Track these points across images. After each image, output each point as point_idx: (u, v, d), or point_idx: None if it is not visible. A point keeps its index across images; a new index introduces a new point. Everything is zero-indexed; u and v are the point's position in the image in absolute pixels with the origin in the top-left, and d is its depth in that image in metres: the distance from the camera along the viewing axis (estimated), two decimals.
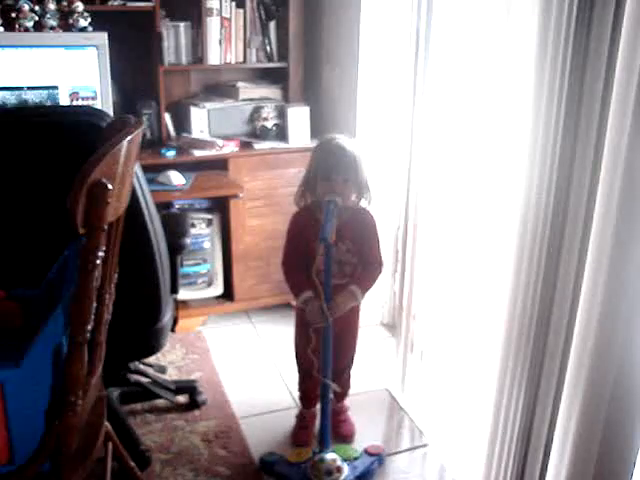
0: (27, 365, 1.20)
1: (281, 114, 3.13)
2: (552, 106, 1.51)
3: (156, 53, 2.93)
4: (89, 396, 1.31)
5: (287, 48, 3.15)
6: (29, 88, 2.59)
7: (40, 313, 1.41)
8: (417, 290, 2.47)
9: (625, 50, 1.31)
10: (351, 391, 2.38)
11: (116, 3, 2.78)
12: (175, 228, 2.17)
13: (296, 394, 2.39)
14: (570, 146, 1.51)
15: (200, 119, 3.06)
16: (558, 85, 1.49)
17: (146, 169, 1.96)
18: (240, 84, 3.16)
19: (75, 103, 2.65)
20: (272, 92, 3.23)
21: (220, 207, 3.02)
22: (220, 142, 2.96)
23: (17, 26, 2.56)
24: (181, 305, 2.80)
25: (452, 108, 2.21)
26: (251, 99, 3.17)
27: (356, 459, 2.10)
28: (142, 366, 2.52)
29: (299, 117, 3.08)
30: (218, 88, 3.25)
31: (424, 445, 2.29)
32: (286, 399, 2.53)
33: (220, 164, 2.97)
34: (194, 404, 2.46)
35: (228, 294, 3.12)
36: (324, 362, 2.03)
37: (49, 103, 2.62)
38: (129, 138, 1.20)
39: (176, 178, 2.80)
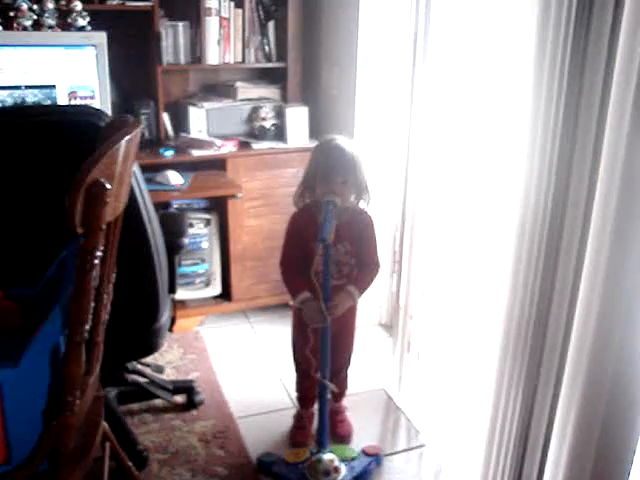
0: (25, 365, 1.20)
1: (279, 114, 3.13)
2: (551, 106, 1.51)
3: (154, 53, 2.92)
4: (87, 396, 1.31)
5: (286, 48, 3.15)
6: (27, 87, 2.58)
7: (38, 313, 1.40)
8: (414, 290, 2.47)
9: (624, 50, 1.31)
10: (348, 391, 2.38)
11: (115, 2, 2.78)
12: (173, 228, 2.17)
13: (294, 394, 2.39)
14: (569, 146, 1.51)
15: (198, 119, 3.06)
16: (557, 85, 1.49)
17: (144, 169, 1.96)
18: (239, 84, 3.16)
19: (73, 102, 2.65)
20: (271, 92, 3.23)
21: (218, 207, 3.02)
22: (218, 142, 2.95)
23: (15, 25, 2.56)
24: (179, 305, 2.80)
25: (451, 108, 2.21)
26: (249, 99, 3.17)
27: (354, 459, 2.10)
28: (140, 366, 2.52)
29: (297, 117, 3.08)
30: (216, 88, 3.25)
31: (421, 445, 2.29)
32: (284, 399, 2.53)
33: (218, 164, 2.97)
34: (192, 404, 2.46)
35: (226, 294, 3.12)
36: (322, 362, 2.03)
37: (47, 102, 2.62)
38: (127, 138, 1.20)
39: (174, 178, 2.80)
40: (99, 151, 1.10)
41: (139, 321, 1.94)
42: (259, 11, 3.09)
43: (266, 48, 3.15)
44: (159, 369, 2.65)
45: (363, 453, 2.15)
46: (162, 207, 2.76)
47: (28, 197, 1.68)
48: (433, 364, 2.44)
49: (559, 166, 1.53)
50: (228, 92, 3.17)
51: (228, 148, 2.97)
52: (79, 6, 2.65)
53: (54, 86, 2.63)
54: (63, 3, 2.64)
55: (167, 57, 2.96)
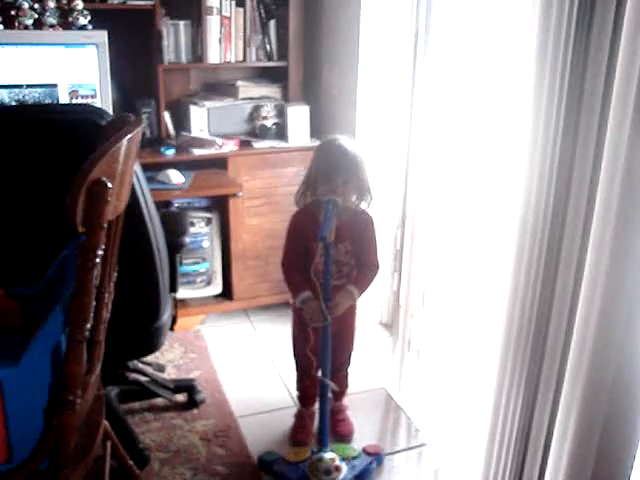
0: (26, 363, 1.20)
1: (281, 113, 3.13)
2: (552, 106, 1.51)
3: (156, 51, 2.92)
4: (88, 395, 1.31)
5: (287, 47, 3.15)
6: (28, 86, 2.59)
7: (39, 311, 1.41)
8: (415, 290, 2.47)
9: (626, 50, 1.30)
10: (349, 390, 2.39)
11: (116, 1, 2.78)
12: (174, 227, 2.17)
13: (295, 393, 2.39)
14: (570, 146, 1.51)
15: (200, 118, 3.06)
16: (558, 85, 1.49)
17: (145, 168, 1.96)
18: (240, 83, 3.16)
19: (75, 101, 2.65)
20: (272, 91, 3.23)
21: (219, 206, 3.02)
22: (219, 141, 2.95)
23: (17, 24, 2.56)
24: (180, 304, 2.80)
25: (452, 108, 2.21)
26: (251, 98, 3.17)
27: (354, 458, 2.10)
28: (141, 365, 2.52)
29: (299, 116, 3.08)
30: (218, 87, 3.25)
31: (422, 445, 2.29)
32: (285, 398, 2.53)
33: (219, 163, 2.97)
34: (193, 403, 2.46)
35: (227, 293, 3.13)
36: (323, 361, 2.03)
37: (49, 101, 2.62)
38: (129, 136, 1.20)
39: (175, 177, 2.80)
40: (100, 150, 1.10)
41: (140, 320, 1.94)
42: (260, 10, 3.09)
43: (267, 47, 3.15)
44: (160, 368, 2.65)
45: (364, 452, 2.15)
46: (163, 206, 2.77)
47: (29, 196, 1.68)
48: (434, 363, 2.44)
49: (560, 166, 1.53)
50: (229, 91, 3.17)
51: (229, 147, 2.97)
52: (80, 5, 2.65)
53: (55, 85, 2.63)
54: (64, 2, 2.64)
55: (168, 56, 2.96)
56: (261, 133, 3.11)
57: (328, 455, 2.02)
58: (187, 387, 2.50)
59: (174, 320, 2.15)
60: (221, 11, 2.97)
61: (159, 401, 2.47)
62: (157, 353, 2.45)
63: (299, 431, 2.30)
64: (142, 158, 2.37)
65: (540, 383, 1.68)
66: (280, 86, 3.23)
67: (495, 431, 1.84)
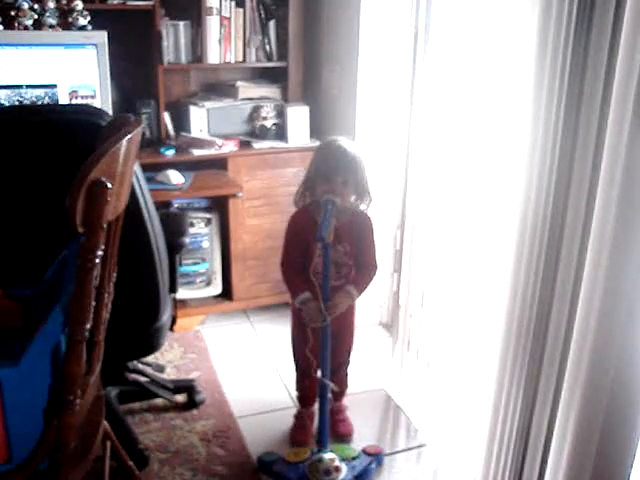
0: (25, 364, 1.20)
1: (280, 113, 3.13)
2: (552, 106, 1.51)
3: (155, 52, 2.92)
4: (87, 395, 1.31)
5: (287, 47, 3.15)
6: (28, 86, 2.59)
7: (39, 312, 1.41)
8: (415, 290, 2.47)
9: (625, 50, 1.31)
10: (349, 391, 2.39)
11: (115, 2, 2.78)
12: (174, 227, 2.17)
13: (294, 393, 2.39)
14: (570, 146, 1.51)
15: (199, 118, 3.06)
16: (558, 85, 1.49)
17: (145, 168, 1.96)
18: (239, 83, 3.16)
19: (74, 102, 2.65)
20: (271, 91, 3.23)
21: (219, 206, 3.02)
22: (219, 141, 2.95)
23: (16, 24, 2.56)
24: (180, 304, 2.80)
25: (452, 108, 2.21)
26: (250, 98, 3.17)
27: (354, 459, 2.10)
28: (140, 365, 2.52)
29: (298, 116, 3.08)
30: (217, 87, 3.25)
31: (421, 445, 2.29)
32: (284, 398, 2.53)
33: (219, 163, 2.97)
34: (192, 403, 2.46)
35: (227, 293, 3.12)
36: (322, 362, 2.04)
37: (48, 102, 2.62)
38: (128, 137, 1.20)
39: (175, 177, 2.80)
40: (100, 150, 1.10)
41: (140, 320, 1.94)
42: (260, 10, 3.09)
43: (267, 47, 3.15)
44: (160, 368, 2.65)
45: (364, 452, 2.15)
46: (163, 206, 2.77)
47: (29, 196, 1.68)
48: (433, 363, 2.45)
49: (560, 166, 1.53)
50: (229, 91, 3.17)
51: (229, 147, 2.97)
52: (80, 5, 2.65)
53: (55, 85, 2.63)
54: (64, 2, 2.64)
55: (168, 56, 2.96)
56: (261, 133, 3.11)
57: (328, 455, 2.02)
58: (187, 387, 2.50)
59: (174, 320, 2.15)
60: (221, 11, 2.97)
61: (159, 401, 2.47)
62: (157, 353, 2.46)
63: (299, 431, 2.30)
64: (142, 158, 2.37)
65: (540, 383, 1.68)
66: (280, 86, 3.23)
67: (495, 431, 1.84)
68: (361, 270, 2.12)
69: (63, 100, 2.65)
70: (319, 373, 2.06)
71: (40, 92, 2.60)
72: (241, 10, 3.03)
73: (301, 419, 2.33)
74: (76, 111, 1.75)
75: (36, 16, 2.59)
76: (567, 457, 1.57)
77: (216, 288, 3.10)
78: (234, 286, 3.09)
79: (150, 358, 2.55)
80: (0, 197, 1.68)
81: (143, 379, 2.46)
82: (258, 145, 3.03)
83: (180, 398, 2.49)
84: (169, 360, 2.79)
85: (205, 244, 3.01)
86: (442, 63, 2.21)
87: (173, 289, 2.14)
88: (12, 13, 2.55)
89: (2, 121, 1.66)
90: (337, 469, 2.00)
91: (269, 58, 3.17)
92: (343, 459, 2.05)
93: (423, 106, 2.30)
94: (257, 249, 3.07)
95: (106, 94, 2.69)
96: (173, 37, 2.97)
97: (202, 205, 3.00)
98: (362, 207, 2.09)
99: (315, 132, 3.09)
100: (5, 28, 2.56)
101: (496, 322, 1.80)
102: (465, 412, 2.19)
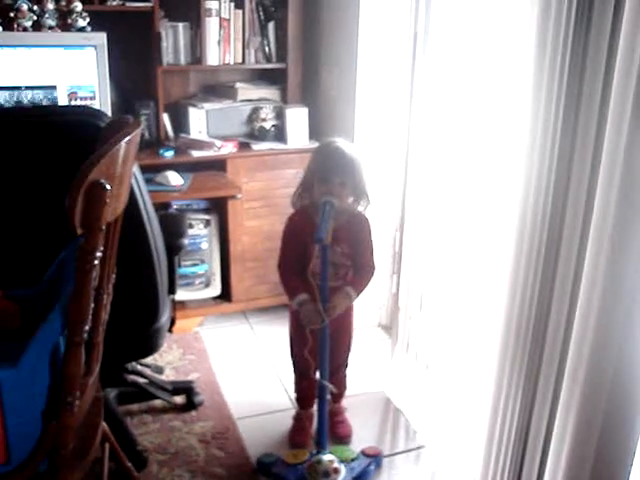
0: (24, 365, 1.20)
1: (279, 115, 3.13)
2: (551, 106, 1.52)
3: (155, 53, 2.92)
4: (86, 396, 1.31)
5: (286, 49, 3.15)
6: (27, 88, 2.58)
7: (38, 313, 1.40)
8: (414, 292, 2.47)
9: (624, 50, 1.31)
10: (348, 392, 2.39)
11: (115, 3, 2.78)
12: (173, 229, 2.17)
13: (293, 395, 2.38)
14: (569, 147, 1.51)
15: (198, 119, 3.06)
16: (557, 85, 1.49)
17: (144, 169, 1.96)
18: (239, 85, 3.16)
19: (73, 103, 2.65)
20: (271, 93, 3.23)
21: (218, 208, 3.02)
22: (218, 143, 2.96)
23: (16, 26, 2.56)
24: (178, 306, 2.80)
25: (451, 109, 2.21)
26: (249, 100, 3.17)
27: (353, 460, 2.10)
28: (139, 367, 2.52)
29: (297, 118, 3.08)
30: (217, 89, 3.26)
31: (420, 447, 2.29)
32: (283, 400, 2.53)
33: (218, 165, 2.97)
34: (191, 405, 2.46)
35: (225, 295, 3.12)
36: (321, 363, 2.04)
37: (48, 103, 2.62)
38: (127, 138, 1.20)
39: (174, 178, 2.80)
40: (99, 152, 1.10)
41: (139, 322, 1.94)
42: (259, 12, 3.10)
43: (266, 49, 3.15)
44: (159, 370, 2.65)
45: (363, 454, 2.15)
46: (162, 208, 2.76)
47: (28, 197, 1.68)
48: (432, 365, 2.45)
49: (559, 167, 1.54)
50: (228, 93, 3.17)
51: (228, 149, 2.97)
52: (79, 7, 2.65)
53: (54, 87, 2.63)
54: (63, 4, 2.64)
55: (167, 58, 2.96)
56: (260, 135, 3.11)
57: (327, 457, 2.02)
58: (186, 389, 2.50)
59: (173, 322, 2.15)
60: (220, 13, 2.98)
61: (157, 403, 2.47)
62: (155, 355, 2.46)
63: (297, 433, 2.30)
64: (141, 160, 2.37)
65: (539, 383, 1.68)
66: (279, 88, 3.24)
67: (494, 432, 1.84)
68: (359, 271, 2.12)
69: (62, 101, 2.65)
70: (318, 375, 2.06)
71: (39, 93, 2.60)
72: (240, 12, 3.04)
73: (300, 421, 2.33)
74: (75, 112, 1.75)
75: (35, 17, 2.59)
76: (566, 458, 1.57)
77: (215, 289, 3.10)
78: (233, 287, 3.09)
79: (149, 359, 2.55)
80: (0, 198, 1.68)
81: (142, 380, 2.46)
82: (257, 146, 3.04)
83: (179, 399, 2.49)
84: (168, 361, 2.79)
85: (204, 245, 3.01)
86: (441, 64, 2.21)
87: (172, 290, 2.14)
88: (11, 14, 2.54)
89: (1, 122, 1.66)
90: (336, 470, 2.00)
91: (268, 60, 3.17)
92: (342, 460, 2.05)
93: (422, 107, 2.31)
94: (256, 250, 3.07)
95: (105, 95, 2.69)
96: (172, 38, 2.97)
97: (201, 206, 3.00)
98: (360, 208, 2.09)
99: (314, 133, 3.09)
100: (4, 29, 2.56)
101: (495, 323, 1.80)
102: (464, 413, 2.19)
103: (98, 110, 1.75)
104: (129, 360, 2.33)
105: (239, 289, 3.10)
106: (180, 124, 3.12)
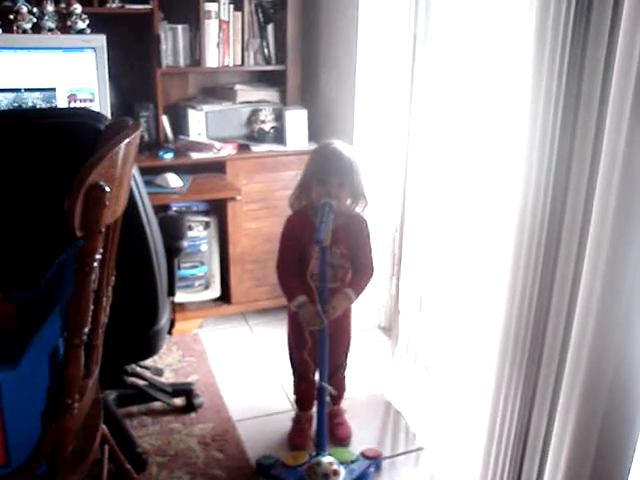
0: (24, 367, 1.20)
1: (279, 117, 3.14)
2: (549, 107, 1.52)
3: (154, 55, 2.93)
4: (86, 398, 1.31)
5: (285, 51, 3.15)
6: (27, 90, 2.58)
7: (37, 315, 1.41)
8: (413, 293, 2.47)
9: (623, 50, 1.31)
10: (347, 394, 2.38)
11: (114, 5, 2.78)
12: (172, 231, 2.17)
13: (292, 397, 2.38)
14: (568, 147, 1.51)
15: (198, 121, 3.07)
16: (556, 85, 1.49)
17: (144, 171, 1.96)
18: (238, 87, 3.17)
19: (73, 105, 2.65)
20: (270, 95, 3.23)
21: (217, 210, 3.02)
22: (218, 145, 2.96)
23: (15, 28, 2.56)
24: (178, 308, 2.80)
25: (450, 110, 2.21)
26: (249, 102, 3.17)
27: (353, 462, 2.10)
28: (139, 369, 2.52)
29: (297, 120, 3.08)
30: (216, 91, 3.26)
31: (419, 449, 2.29)
32: (283, 402, 2.53)
33: (218, 167, 2.97)
34: (191, 407, 2.46)
35: (225, 297, 3.13)
36: (320, 365, 2.04)
37: (47, 105, 2.62)
38: (127, 140, 1.20)
39: (174, 180, 2.80)
40: (98, 154, 1.10)
41: (138, 324, 1.94)
42: (258, 14, 3.10)
43: (265, 51, 3.16)
44: (158, 372, 2.65)
45: (362, 456, 2.15)
46: (161, 210, 2.77)
47: (27, 200, 1.68)
48: (432, 367, 2.44)
49: (558, 168, 1.54)
50: (227, 95, 3.18)
51: (227, 151, 2.98)
52: (79, 9, 2.65)
53: (54, 89, 2.63)
54: (63, 6, 2.64)
55: (166, 60, 2.96)
56: (259, 137, 3.11)
57: (326, 459, 2.02)
58: (185, 391, 2.50)
59: (172, 324, 2.15)
60: (219, 15, 2.98)
61: (157, 405, 2.46)
62: (155, 357, 2.45)
63: (297, 435, 2.30)
64: (140, 162, 2.36)
65: (538, 384, 1.68)
66: (278, 90, 3.24)
67: (493, 433, 1.84)
68: (358, 273, 2.12)
69: (62, 103, 2.65)
70: (317, 376, 2.06)
71: (39, 95, 2.60)
72: (239, 14, 3.04)
73: (299, 422, 2.33)
74: (75, 115, 1.75)
75: (35, 20, 2.59)
76: (566, 458, 1.57)
77: (214, 291, 3.10)
78: (232, 289, 3.09)
79: (148, 361, 2.54)
80: None
81: (141, 382, 2.46)
82: (256, 148, 3.04)
83: (178, 401, 2.49)
84: (167, 363, 2.79)
85: (203, 247, 3.01)
86: (441, 66, 2.21)
87: (171, 292, 2.15)
88: (11, 17, 2.55)
89: (1, 125, 1.66)
90: (335, 472, 2.00)
91: (267, 62, 3.18)
92: (341, 462, 2.05)
93: (421, 110, 2.31)
94: (255, 252, 3.07)
95: (105, 97, 2.69)
96: (172, 41, 2.97)
97: (200, 208, 3.00)
98: (357, 210, 2.10)
99: (313, 135, 3.09)
100: (4, 32, 2.56)
101: (494, 324, 1.80)
102: (464, 415, 2.19)
103: (97, 112, 1.76)
104: (129, 362, 2.33)
105: (238, 291, 3.10)
106: (179, 126, 3.12)
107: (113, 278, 1.42)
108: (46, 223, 1.56)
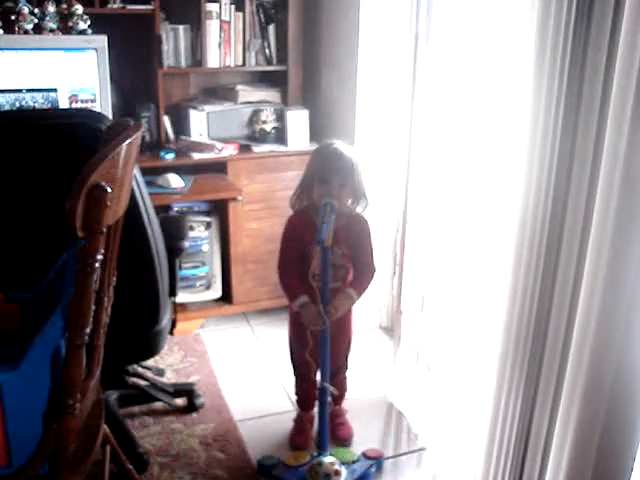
0: (25, 368, 1.20)
1: (280, 117, 3.14)
2: (551, 107, 1.51)
3: (155, 56, 2.93)
4: (87, 399, 1.31)
5: (286, 51, 3.15)
6: (28, 90, 2.59)
7: (39, 316, 1.41)
8: (415, 293, 2.47)
9: (624, 50, 1.31)
10: (349, 394, 2.38)
11: (116, 6, 2.79)
12: (174, 231, 2.17)
13: (294, 397, 2.38)
14: (569, 147, 1.51)
15: (199, 122, 3.07)
16: (557, 86, 1.49)
17: (145, 172, 1.96)
18: (239, 87, 3.17)
19: (74, 106, 2.65)
20: (271, 95, 3.23)
21: (219, 210, 3.02)
22: (219, 145, 2.96)
23: (17, 29, 2.57)
24: (179, 308, 2.80)
25: (452, 110, 2.21)
26: (250, 102, 3.17)
27: (354, 462, 2.10)
28: (140, 369, 2.52)
29: (298, 120, 3.08)
30: (217, 91, 3.26)
31: (421, 449, 2.29)
32: (284, 402, 2.53)
33: (219, 167, 2.97)
34: (192, 407, 2.46)
35: (226, 297, 3.13)
36: (322, 365, 2.04)
37: (48, 106, 2.62)
38: (128, 141, 1.20)
39: (175, 181, 2.80)
40: (100, 154, 1.10)
41: (140, 324, 1.94)
42: (260, 14, 3.10)
43: (267, 51, 3.16)
44: (160, 372, 2.65)
45: (364, 456, 2.15)
46: (163, 210, 2.77)
47: (29, 200, 1.68)
48: (434, 367, 2.44)
49: (559, 168, 1.53)
50: (229, 95, 3.18)
51: (229, 151, 2.98)
52: (80, 10, 2.66)
53: (55, 89, 2.63)
54: (64, 7, 2.65)
55: (168, 60, 2.96)
56: (260, 137, 3.11)
57: (327, 459, 2.02)
58: (187, 391, 2.50)
59: (173, 324, 2.15)
60: (220, 15, 2.98)
61: (158, 405, 2.47)
62: (156, 357, 2.46)
63: (298, 435, 2.30)
64: (142, 162, 2.37)
65: (540, 384, 1.68)
66: (279, 90, 3.24)
67: (494, 434, 1.84)
68: (359, 273, 2.12)
69: (63, 104, 2.65)
70: (318, 377, 2.06)
71: (40, 96, 2.61)
72: (241, 14, 3.04)
73: (301, 423, 2.33)
74: (76, 115, 1.75)
75: (36, 20, 2.59)
76: (567, 458, 1.56)
77: (216, 292, 3.10)
78: (234, 290, 3.09)
79: (150, 362, 2.54)
80: (0, 201, 1.68)
81: (143, 383, 2.46)
82: (258, 149, 3.04)
83: (180, 402, 2.49)
84: (169, 364, 2.79)
85: (205, 248, 3.01)
86: (442, 66, 2.21)
87: (173, 293, 2.14)
88: (12, 17, 2.55)
89: (2, 125, 1.66)
90: (337, 473, 2.00)
91: (269, 62, 3.18)
92: (343, 463, 2.05)
93: (423, 109, 2.31)
94: (257, 253, 3.07)
95: (106, 98, 2.69)
96: (173, 41, 2.97)
97: (202, 209, 3.00)
98: (358, 210, 2.10)
99: (315, 136, 3.09)
100: (5, 32, 2.56)
101: (496, 324, 1.80)
102: (465, 416, 2.19)
103: (99, 113, 1.76)
104: (130, 362, 2.33)
105: (240, 291, 3.11)
106: (181, 126, 3.12)
107: (114, 278, 1.42)
108: (48, 224, 1.56)
